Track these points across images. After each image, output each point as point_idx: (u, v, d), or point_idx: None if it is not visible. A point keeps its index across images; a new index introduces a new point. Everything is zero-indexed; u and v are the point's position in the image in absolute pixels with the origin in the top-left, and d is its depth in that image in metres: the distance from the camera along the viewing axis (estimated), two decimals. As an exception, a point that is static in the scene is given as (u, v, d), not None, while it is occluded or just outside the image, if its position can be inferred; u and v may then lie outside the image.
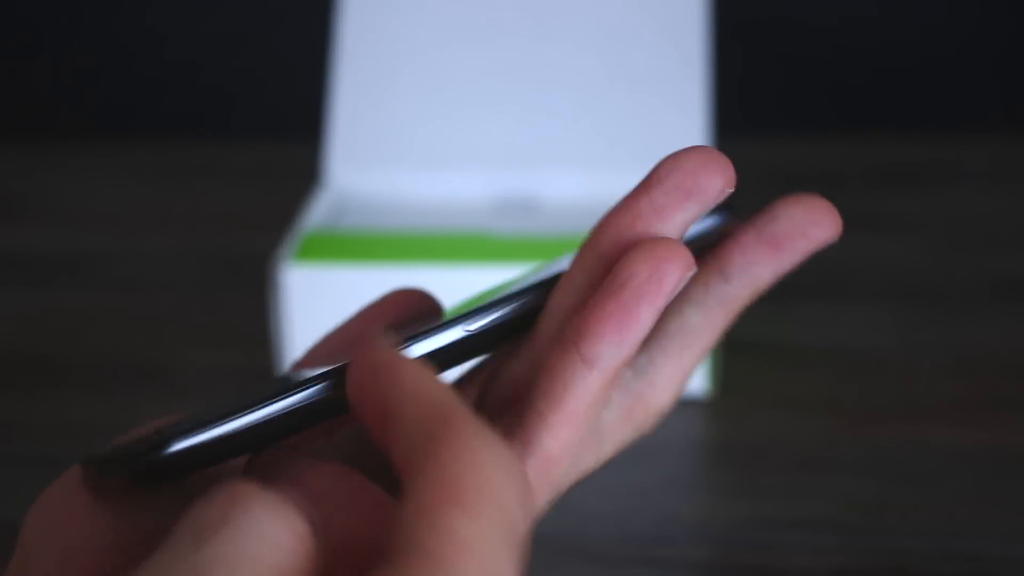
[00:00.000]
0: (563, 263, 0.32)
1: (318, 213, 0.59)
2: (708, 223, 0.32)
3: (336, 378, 0.28)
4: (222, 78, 1.00)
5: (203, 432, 0.27)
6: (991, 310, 0.62)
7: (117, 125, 1.02)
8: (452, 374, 0.53)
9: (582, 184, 0.62)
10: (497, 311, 0.30)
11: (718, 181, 0.29)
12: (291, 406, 0.28)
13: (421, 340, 0.29)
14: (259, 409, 0.28)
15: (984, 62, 0.94)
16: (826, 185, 0.78)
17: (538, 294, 0.30)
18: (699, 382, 0.55)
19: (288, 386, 0.28)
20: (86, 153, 0.89)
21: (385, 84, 0.64)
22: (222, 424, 0.27)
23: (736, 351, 0.59)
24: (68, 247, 0.75)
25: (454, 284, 0.54)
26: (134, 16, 0.99)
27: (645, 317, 0.28)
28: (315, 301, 0.54)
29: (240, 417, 0.28)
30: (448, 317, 0.30)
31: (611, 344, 0.28)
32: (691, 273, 0.28)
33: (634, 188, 0.32)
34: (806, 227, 0.32)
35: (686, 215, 0.29)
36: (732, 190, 0.29)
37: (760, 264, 0.32)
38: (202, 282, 0.69)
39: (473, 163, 0.62)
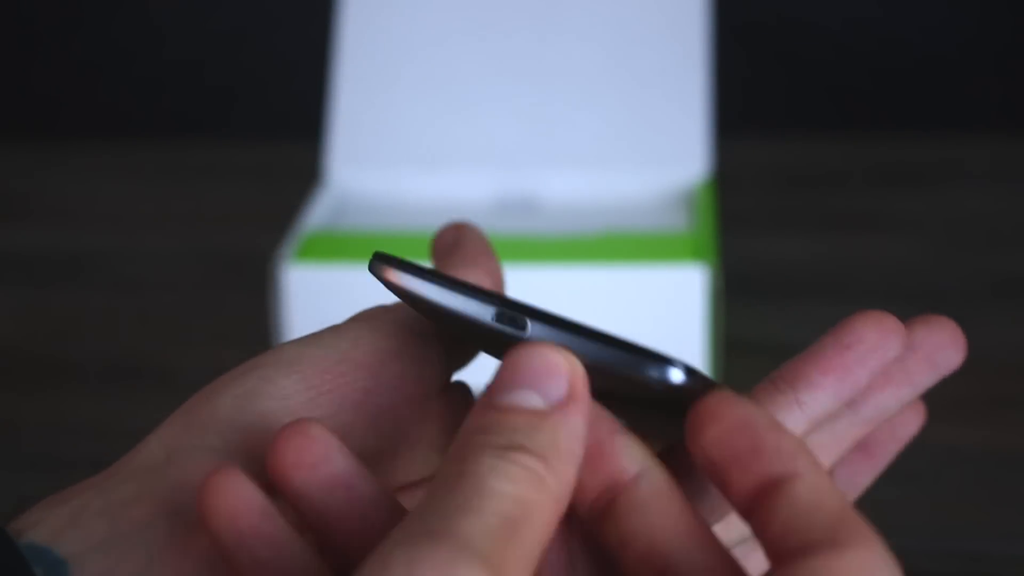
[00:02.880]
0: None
1: (318, 213, 0.59)
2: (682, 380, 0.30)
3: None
4: (222, 78, 1.00)
5: (429, 280, 0.30)
6: (991, 310, 0.62)
7: (117, 125, 1.02)
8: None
9: (582, 184, 0.62)
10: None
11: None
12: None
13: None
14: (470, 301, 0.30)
15: (984, 62, 0.94)
16: (827, 185, 0.78)
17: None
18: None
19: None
20: (86, 153, 0.89)
21: (385, 84, 0.64)
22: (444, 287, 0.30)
23: (736, 351, 0.59)
24: (68, 247, 0.74)
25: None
26: (134, 16, 0.99)
27: (862, 380, 0.30)
28: (315, 301, 0.54)
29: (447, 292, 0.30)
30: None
31: (825, 395, 0.30)
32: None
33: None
34: (935, 355, 0.33)
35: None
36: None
37: (890, 397, 0.33)
38: (202, 282, 0.69)
39: (473, 163, 0.62)
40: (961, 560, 0.45)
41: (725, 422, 0.27)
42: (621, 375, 0.28)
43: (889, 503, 0.48)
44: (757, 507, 0.26)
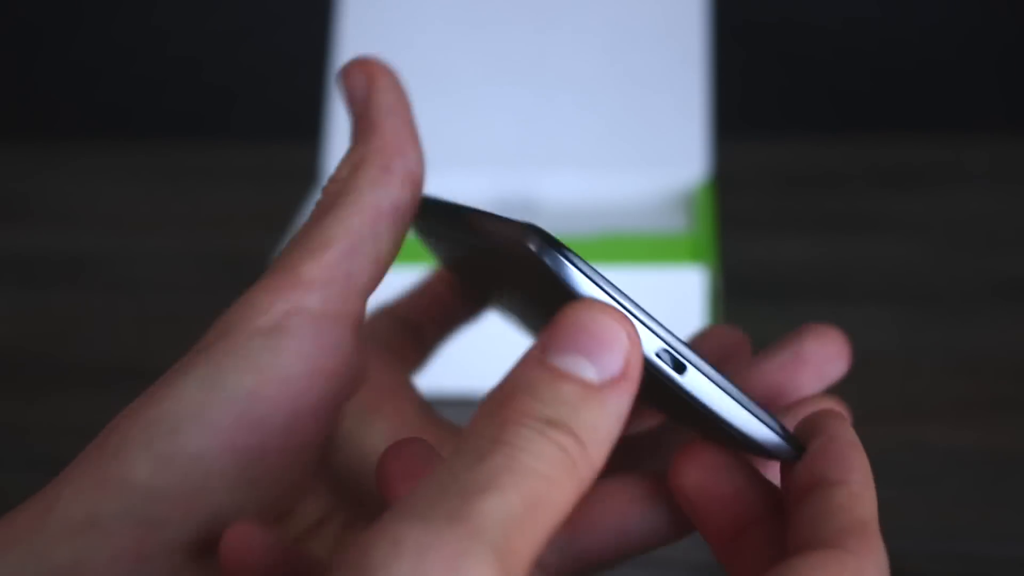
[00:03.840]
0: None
1: (318, 213, 0.59)
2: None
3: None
4: (222, 78, 1.00)
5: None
6: (992, 311, 0.62)
7: (117, 125, 1.02)
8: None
9: (582, 184, 0.62)
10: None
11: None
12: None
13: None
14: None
15: (984, 63, 0.94)
16: (826, 186, 0.78)
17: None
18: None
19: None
20: (86, 153, 0.89)
21: (385, 84, 0.64)
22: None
23: (736, 352, 0.59)
24: (68, 247, 0.74)
25: (454, 284, 0.54)
26: (134, 16, 0.99)
27: (805, 391, 0.33)
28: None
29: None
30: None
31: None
32: None
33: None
34: (824, 367, 0.33)
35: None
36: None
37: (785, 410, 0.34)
38: (202, 282, 0.69)
39: (473, 163, 0.62)
40: (960, 562, 0.45)
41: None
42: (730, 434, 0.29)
43: (888, 504, 0.48)
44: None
